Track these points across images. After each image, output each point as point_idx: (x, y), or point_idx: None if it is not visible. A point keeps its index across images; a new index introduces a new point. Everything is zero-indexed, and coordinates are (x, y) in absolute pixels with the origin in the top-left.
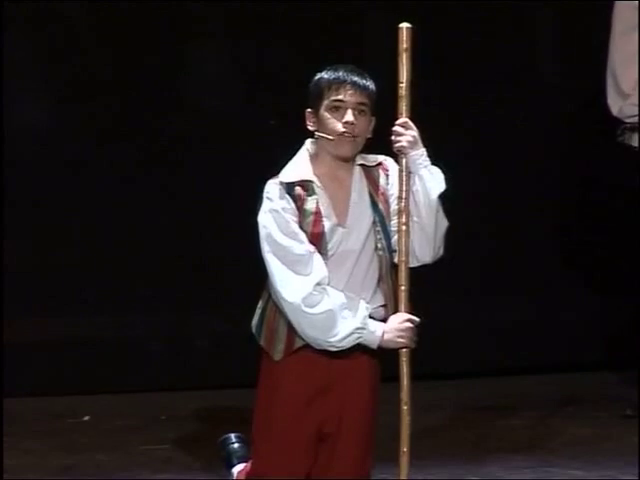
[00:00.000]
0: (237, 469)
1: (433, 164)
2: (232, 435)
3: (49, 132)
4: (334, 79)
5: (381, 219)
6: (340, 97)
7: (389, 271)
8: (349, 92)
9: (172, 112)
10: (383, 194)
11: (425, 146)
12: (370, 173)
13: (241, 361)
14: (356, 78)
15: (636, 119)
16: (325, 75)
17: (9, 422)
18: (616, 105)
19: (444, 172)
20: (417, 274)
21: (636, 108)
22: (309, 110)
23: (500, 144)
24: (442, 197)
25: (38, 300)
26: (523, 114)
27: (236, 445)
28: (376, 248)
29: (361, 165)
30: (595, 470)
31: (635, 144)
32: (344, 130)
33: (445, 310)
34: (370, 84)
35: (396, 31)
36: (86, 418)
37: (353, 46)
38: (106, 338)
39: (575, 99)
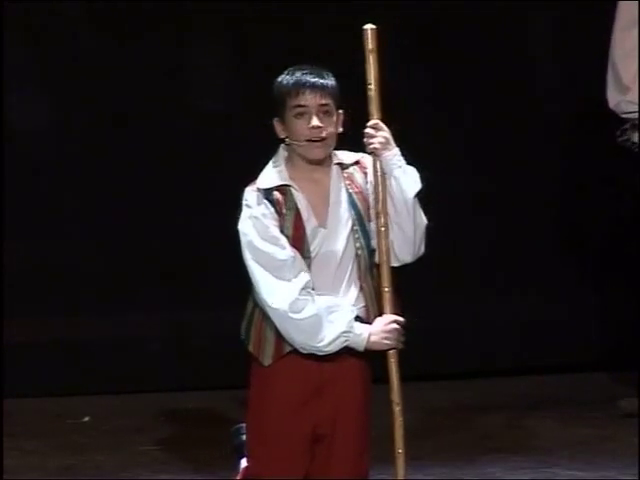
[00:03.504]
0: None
1: (409, 164)
2: (245, 425)
3: (49, 132)
4: (293, 84)
5: (359, 218)
6: (301, 102)
7: (368, 270)
8: (309, 96)
9: (172, 112)
10: (361, 193)
11: (399, 146)
12: (347, 172)
13: (241, 361)
14: (314, 79)
15: (633, 115)
16: (283, 82)
17: (9, 422)
18: (614, 99)
19: (444, 172)
20: (417, 275)
21: (634, 105)
22: (276, 119)
23: (500, 144)
24: (419, 196)
25: (38, 300)
26: (523, 114)
27: None
28: (355, 248)
29: (338, 164)
30: (595, 471)
31: (635, 144)
32: (312, 135)
33: (445, 311)
34: (329, 81)
35: (361, 32)
36: (86, 419)
37: (351, 47)
38: (106, 338)
39: (575, 99)
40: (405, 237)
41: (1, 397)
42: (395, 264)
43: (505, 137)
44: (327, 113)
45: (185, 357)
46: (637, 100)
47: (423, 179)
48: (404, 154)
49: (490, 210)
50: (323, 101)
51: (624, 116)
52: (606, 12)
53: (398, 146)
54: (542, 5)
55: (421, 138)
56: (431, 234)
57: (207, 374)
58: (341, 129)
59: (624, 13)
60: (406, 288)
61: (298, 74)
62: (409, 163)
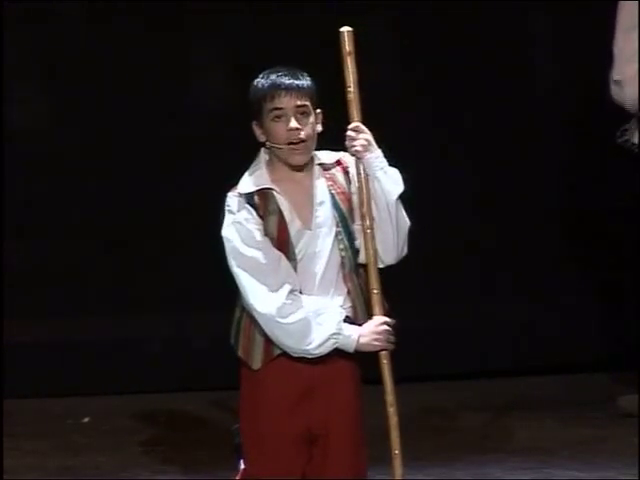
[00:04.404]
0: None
1: (391, 165)
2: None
3: (49, 132)
4: (268, 87)
5: (343, 219)
6: (278, 105)
7: (353, 271)
8: (285, 98)
9: (172, 112)
10: (344, 193)
11: (380, 147)
12: (329, 172)
13: (239, 363)
14: (289, 81)
15: (637, 106)
16: (259, 85)
17: (9, 423)
18: (618, 95)
19: (443, 173)
20: (416, 275)
21: (636, 93)
22: (254, 122)
23: (500, 145)
24: (402, 197)
25: (38, 301)
26: (523, 114)
27: None
28: (339, 249)
29: (319, 165)
30: (595, 471)
31: (635, 145)
32: (291, 138)
33: (445, 311)
34: (305, 82)
35: (338, 35)
36: (86, 419)
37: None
38: (106, 339)
39: (575, 99)
40: (388, 239)
41: (1, 397)
42: (379, 266)
43: (505, 138)
44: (305, 114)
45: (185, 358)
46: (637, 94)
47: (423, 182)
48: (400, 156)
49: (490, 210)
50: (300, 102)
51: (629, 107)
52: (607, 12)
53: (398, 147)
54: (542, 5)
55: (421, 139)
56: (431, 235)
57: (207, 375)
58: (320, 128)
59: (625, 14)
60: (406, 289)
61: (273, 77)
62: (402, 165)
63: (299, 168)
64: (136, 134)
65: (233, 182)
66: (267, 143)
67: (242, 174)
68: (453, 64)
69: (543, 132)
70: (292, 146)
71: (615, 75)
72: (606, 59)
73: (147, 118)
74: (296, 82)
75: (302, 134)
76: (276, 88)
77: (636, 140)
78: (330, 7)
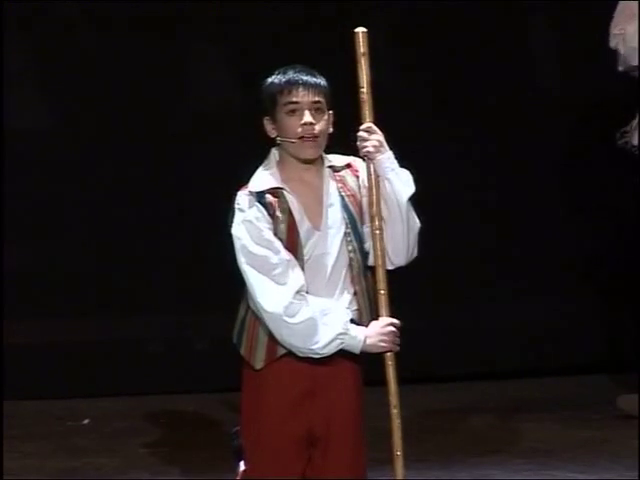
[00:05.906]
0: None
1: (402, 166)
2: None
3: (49, 132)
4: (285, 82)
5: (352, 221)
6: (294, 99)
7: (361, 274)
8: (302, 93)
9: (172, 112)
10: (353, 196)
11: (390, 148)
12: (339, 175)
13: (240, 364)
14: (306, 77)
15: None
16: (275, 80)
17: (9, 425)
18: (619, 47)
19: (446, 175)
20: (418, 277)
21: (635, 49)
22: (266, 118)
23: (501, 145)
24: (413, 199)
25: (38, 302)
26: (523, 117)
27: None
28: (347, 250)
29: (330, 167)
30: (595, 473)
31: (635, 147)
32: (304, 132)
33: (445, 313)
34: (321, 80)
35: (351, 36)
36: (86, 421)
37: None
38: (106, 340)
39: (575, 102)
40: (398, 240)
41: (1, 399)
42: (389, 267)
43: (506, 140)
44: (319, 111)
45: (186, 359)
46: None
47: (424, 183)
48: (401, 157)
49: (492, 212)
50: (315, 98)
51: (628, 60)
52: (607, 11)
53: (398, 148)
54: (542, 6)
55: (421, 141)
56: (433, 236)
57: (208, 376)
58: (331, 129)
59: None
60: (407, 290)
61: (290, 72)
62: (405, 166)
63: (309, 163)
64: (136, 134)
65: (233, 182)
66: (278, 138)
67: (244, 174)
68: (453, 65)
69: (544, 134)
70: (304, 139)
71: (614, 29)
72: (606, 59)
73: (147, 118)
74: (313, 79)
75: (315, 129)
76: (293, 83)
77: (636, 142)
78: (331, 8)
